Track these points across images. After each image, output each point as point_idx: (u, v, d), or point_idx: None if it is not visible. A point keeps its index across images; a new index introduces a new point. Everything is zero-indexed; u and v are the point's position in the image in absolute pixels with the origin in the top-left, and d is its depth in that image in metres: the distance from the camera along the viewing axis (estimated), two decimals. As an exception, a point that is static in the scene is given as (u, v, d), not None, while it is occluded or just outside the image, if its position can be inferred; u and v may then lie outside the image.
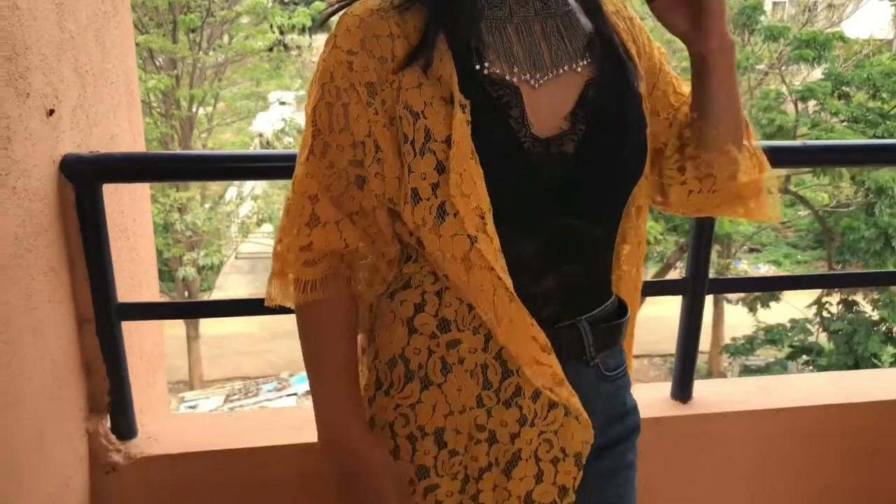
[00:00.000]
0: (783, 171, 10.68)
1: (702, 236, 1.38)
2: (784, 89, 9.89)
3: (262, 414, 1.42)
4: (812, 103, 9.46)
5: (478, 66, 0.85)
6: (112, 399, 1.27)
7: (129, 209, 1.44)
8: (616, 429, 0.99)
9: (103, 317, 1.23)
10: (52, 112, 1.10)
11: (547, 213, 0.87)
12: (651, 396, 1.49)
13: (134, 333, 1.40)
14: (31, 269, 1.04)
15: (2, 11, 0.96)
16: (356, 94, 0.85)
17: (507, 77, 0.85)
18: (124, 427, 1.29)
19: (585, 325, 0.92)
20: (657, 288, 1.48)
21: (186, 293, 11.54)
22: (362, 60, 0.85)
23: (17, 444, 0.98)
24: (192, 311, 1.29)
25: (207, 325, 11.97)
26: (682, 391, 1.47)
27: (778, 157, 1.34)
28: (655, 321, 6.49)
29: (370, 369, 0.93)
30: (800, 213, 13.80)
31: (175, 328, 11.00)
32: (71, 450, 1.18)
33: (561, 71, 0.88)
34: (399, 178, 0.85)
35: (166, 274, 10.49)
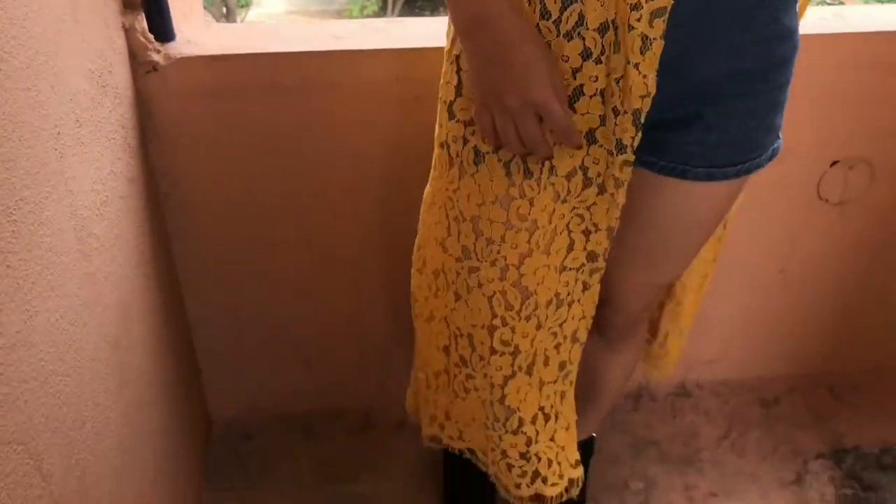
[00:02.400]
0: None
1: None
2: None
3: (304, 28, 1.36)
4: None
5: None
6: (145, -5, 1.22)
7: None
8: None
9: None
10: None
11: None
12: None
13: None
14: None
15: None
16: None
17: None
18: (162, 29, 1.25)
19: None
20: None
21: (224, 9, 11.27)
22: None
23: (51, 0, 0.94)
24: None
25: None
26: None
27: None
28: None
29: None
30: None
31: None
32: (107, 37, 1.14)
33: None
34: None
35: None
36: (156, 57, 1.24)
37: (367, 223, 1.44)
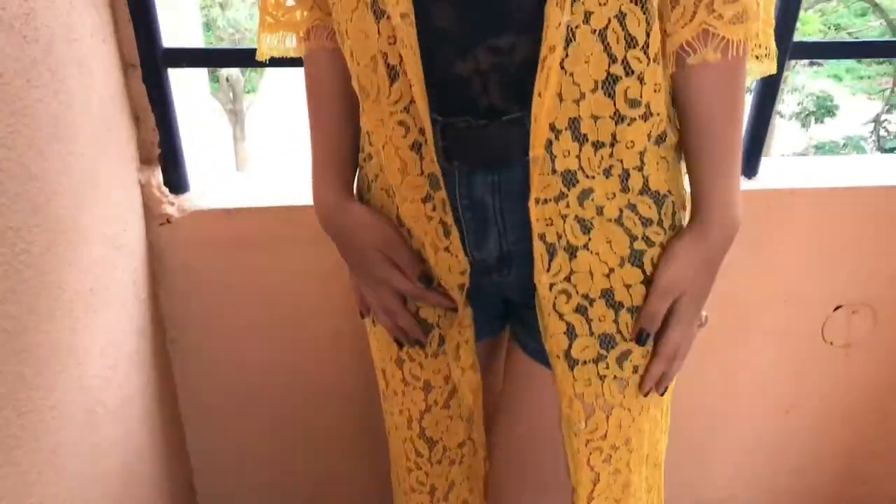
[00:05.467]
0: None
1: (792, -6, 1.24)
2: None
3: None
4: None
5: None
6: (163, 150, 1.25)
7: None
8: None
9: (149, 61, 1.17)
10: None
11: None
12: (716, 172, 1.42)
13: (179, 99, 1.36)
14: (69, -2, 0.98)
15: None
16: None
17: None
18: (177, 181, 1.28)
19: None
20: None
21: (231, 94, 11.50)
22: None
23: (74, 177, 0.96)
24: (241, 58, 1.19)
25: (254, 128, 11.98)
26: (750, 166, 1.39)
27: None
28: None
29: None
30: (870, 22, 12.93)
31: (220, 127, 11.05)
32: (125, 196, 1.17)
33: None
34: None
35: (210, 73, 10.39)
36: (170, 209, 1.26)
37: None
